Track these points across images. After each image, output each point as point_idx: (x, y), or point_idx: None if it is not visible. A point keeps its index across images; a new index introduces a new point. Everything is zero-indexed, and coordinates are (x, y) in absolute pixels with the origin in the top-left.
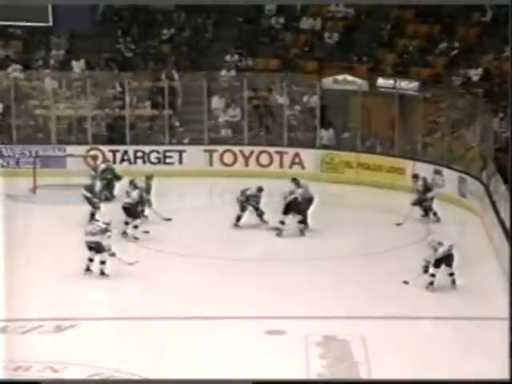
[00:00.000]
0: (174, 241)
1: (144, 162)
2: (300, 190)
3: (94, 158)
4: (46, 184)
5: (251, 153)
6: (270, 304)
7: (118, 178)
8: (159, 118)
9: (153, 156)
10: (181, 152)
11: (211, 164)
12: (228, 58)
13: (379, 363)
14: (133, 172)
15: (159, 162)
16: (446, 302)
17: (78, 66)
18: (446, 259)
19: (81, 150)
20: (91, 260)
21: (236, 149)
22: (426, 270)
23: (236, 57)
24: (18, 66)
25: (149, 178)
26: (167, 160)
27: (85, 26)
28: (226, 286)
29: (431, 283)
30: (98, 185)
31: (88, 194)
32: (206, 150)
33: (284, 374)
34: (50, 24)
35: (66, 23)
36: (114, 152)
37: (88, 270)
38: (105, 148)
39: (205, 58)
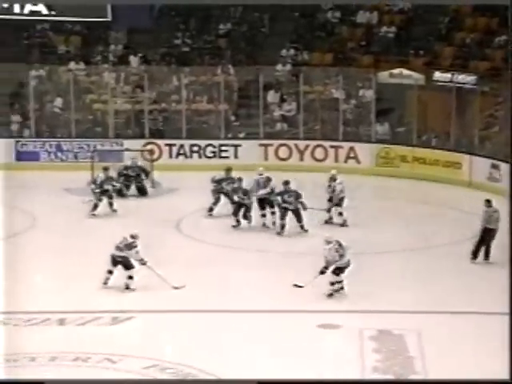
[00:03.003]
0: (228, 234)
1: (200, 157)
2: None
3: (151, 152)
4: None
5: (306, 147)
6: (324, 298)
7: (146, 173)
8: (215, 112)
9: (208, 150)
10: (236, 146)
11: (266, 158)
12: (284, 52)
13: (434, 358)
14: (189, 166)
15: (215, 156)
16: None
17: (135, 60)
18: None
19: (138, 144)
20: (110, 272)
21: (291, 143)
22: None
23: (292, 51)
24: (79, 62)
25: (228, 170)
26: (222, 154)
27: (143, 22)
28: (280, 279)
29: None
30: (101, 176)
31: (92, 186)
32: (261, 145)
33: (338, 368)
34: (109, 19)
35: (125, 18)
36: (170, 146)
37: (105, 283)
38: (161, 142)
39: (261, 53)
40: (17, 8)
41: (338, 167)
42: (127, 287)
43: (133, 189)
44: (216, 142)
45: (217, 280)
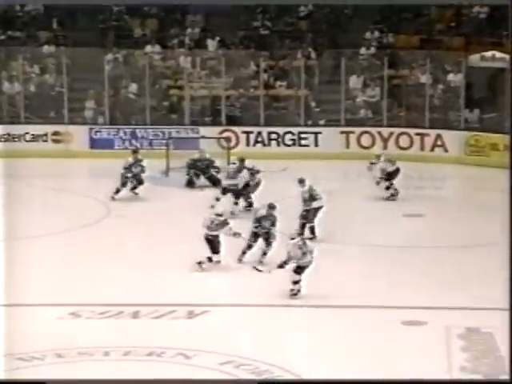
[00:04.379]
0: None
1: (278, 144)
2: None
3: (228, 139)
4: (180, 166)
5: (390, 134)
6: (408, 293)
7: (214, 166)
8: (295, 98)
9: (287, 138)
10: (316, 134)
11: (348, 146)
12: (368, 34)
13: None
14: (267, 154)
15: (294, 144)
16: None
17: (212, 44)
18: None
19: (214, 131)
20: (209, 259)
21: (374, 130)
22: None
23: (376, 33)
24: (155, 46)
25: (242, 160)
26: (302, 142)
27: (220, 4)
28: (360, 273)
29: None
30: (129, 159)
31: (122, 171)
32: (342, 132)
33: (424, 366)
34: (187, 2)
35: (202, 1)
36: (247, 133)
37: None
38: (238, 129)
39: (344, 35)
40: None
41: (424, 156)
42: (200, 263)
43: (202, 180)
44: (295, 130)
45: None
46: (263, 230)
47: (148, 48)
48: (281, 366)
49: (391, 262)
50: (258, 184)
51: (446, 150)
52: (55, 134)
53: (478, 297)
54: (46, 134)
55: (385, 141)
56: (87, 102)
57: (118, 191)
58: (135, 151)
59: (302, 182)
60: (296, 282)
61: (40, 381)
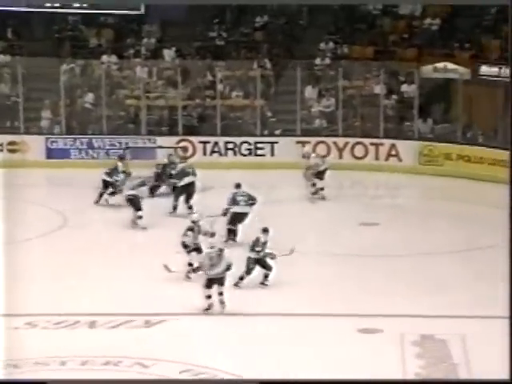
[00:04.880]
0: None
1: (235, 154)
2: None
3: (184, 149)
4: (136, 176)
5: (345, 144)
6: (364, 301)
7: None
8: (251, 108)
9: (244, 147)
10: (272, 143)
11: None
12: (323, 45)
13: (480, 366)
14: (223, 164)
15: (250, 154)
16: None
17: (169, 54)
18: None
19: (171, 141)
20: (191, 265)
21: (330, 140)
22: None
23: (331, 44)
24: (111, 56)
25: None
26: (258, 152)
27: (177, 14)
28: (316, 282)
29: None
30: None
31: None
32: (298, 142)
33: (378, 373)
34: (142, 12)
35: (158, 11)
36: (204, 143)
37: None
38: (195, 139)
39: (299, 46)
40: (48, 1)
41: (378, 165)
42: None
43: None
44: (252, 139)
45: (251, 282)
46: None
47: (104, 58)
48: (239, 374)
49: (348, 271)
50: None
51: (401, 160)
52: (11, 143)
53: (433, 304)
54: (1, 144)
55: (340, 150)
56: (43, 112)
57: (101, 195)
58: (122, 157)
59: (238, 186)
60: (207, 297)
61: (41, 381)
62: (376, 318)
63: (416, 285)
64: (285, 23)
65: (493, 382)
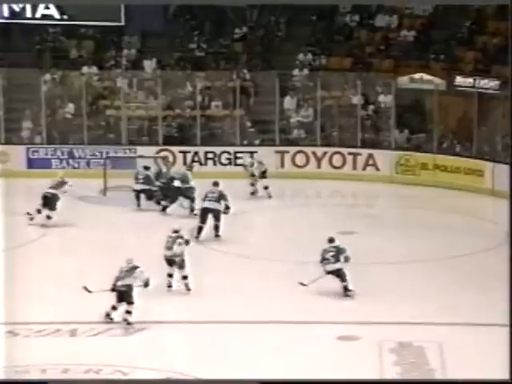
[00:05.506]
0: (241, 243)
1: (214, 164)
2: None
3: (165, 159)
4: (117, 185)
5: (324, 154)
6: (342, 309)
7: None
8: (230, 118)
9: (223, 157)
10: (252, 153)
11: (283, 165)
12: (301, 56)
13: (455, 371)
14: (203, 173)
15: (230, 164)
16: None
17: (149, 65)
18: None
19: (151, 151)
20: (171, 276)
21: (308, 150)
22: None
23: (309, 55)
24: (91, 67)
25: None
26: (238, 161)
27: (157, 26)
28: (294, 289)
29: None
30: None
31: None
32: (277, 151)
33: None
34: (122, 23)
35: (138, 23)
36: (184, 153)
37: (170, 287)
38: (175, 149)
39: (277, 57)
40: (28, 12)
41: (356, 175)
42: (188, 288)
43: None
44: (231, 149)
45: (231, 289)
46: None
47: (85, 69)
48: (216, 381)
49: (325, 279)
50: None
51: (378, 169)
52: None
53: (411, 312)
54: None
55: (318, 160)
56: (24, 122)
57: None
58: (146, 168)
59: (216, 184)
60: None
61: (42, 381)
62: (354, 325)
63: (392, 292)
64: (263, 35)
65: (493, 382)
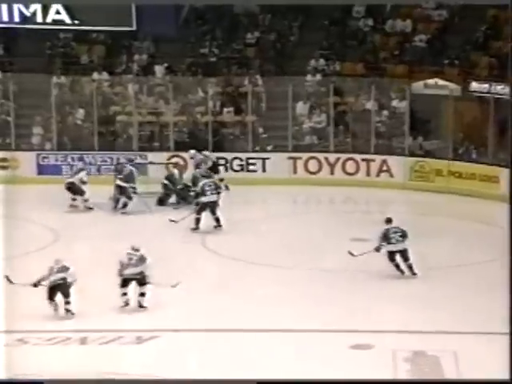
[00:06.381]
0: (252, 250)
1: (226, 170)
2: None
3: (176, 165)
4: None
5: (337, 160)
6: (356, 317)
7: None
8: (242, 124)
9: (235, 163)
10: (264, 159)
11: (295, 172)
12: (314, 62)
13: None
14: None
15: (242, 170)
16: None
17: (160, 70)
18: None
19: (162, 157)
20: (125, 294)
21: (321, 156)
22: None
23: (322, 61)
24: (102, 73)
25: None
26: (250, 167)
27: (168, 31)
28: (307, 297)
29: None
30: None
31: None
32: (290, 158)
33: None
34: (134, 28)
35: (150, 27)
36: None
37: (127, 304)
38: (186, 155)
39: (290, 62)
40: (39, 17)
41: (369, 181)
42: (141, 305)
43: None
44: (243, 155)
45: (241, 297)
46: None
47: (95, 75)
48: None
49: (339, 286)
50: None
51: (392, 176)
52: (2, 160)
53: (425, 320)
54: None
55: (331, 166)
56: (34, 128)
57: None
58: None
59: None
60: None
61: (37, 381)
62: (368, 333)
63: (407, 301)
64: (276, 39)
65: (493, 382)
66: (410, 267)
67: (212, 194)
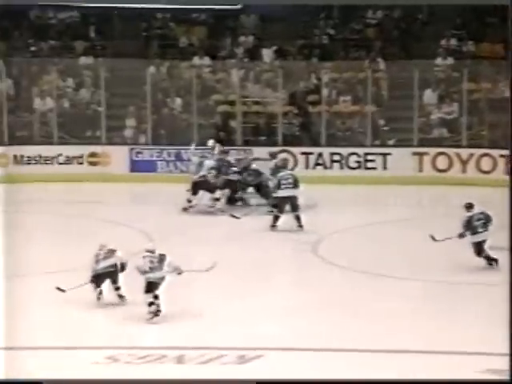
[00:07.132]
0: (366, 258)
1: (341, 167)
2: None
3: (285, 161)
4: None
5: (470, 156)
6: (490, 338)
7: None
8: (361, 114)
9: (352, 160)
10: (385, 155)
11: (421, 169)
12: (444, 42)
13: None
14: (329, 178)
15: (359, 167)
16: None
17: (268, 54)
18: None
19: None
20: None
21: (451, 151)
22: None
23: (454, 41)
24: (203, 57)
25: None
26: (369, 164)
27: (277, 9)
28: (434, 313)
29: None
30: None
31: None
32: (415, 153)
33: None
34: (239, 6)
35: (257, 6)
36: (306, 155)
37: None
38: (296, 150)
39: (417, 44)
40: None
41: (507, 180)
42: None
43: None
44: (361, 151)
45: (354, 310)
46: None
47: (195, 59)
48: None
49: (473, 302)
50: None
51: None
52: (92, 155)
53: None
54: (81, 156)
55: (464, 163)
56: (127, 120)
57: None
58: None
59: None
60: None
61: (37, 380)
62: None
63: None
64: (401, 18)
65: (493, 382)
66: (489, 258)
67: (288, 188)
